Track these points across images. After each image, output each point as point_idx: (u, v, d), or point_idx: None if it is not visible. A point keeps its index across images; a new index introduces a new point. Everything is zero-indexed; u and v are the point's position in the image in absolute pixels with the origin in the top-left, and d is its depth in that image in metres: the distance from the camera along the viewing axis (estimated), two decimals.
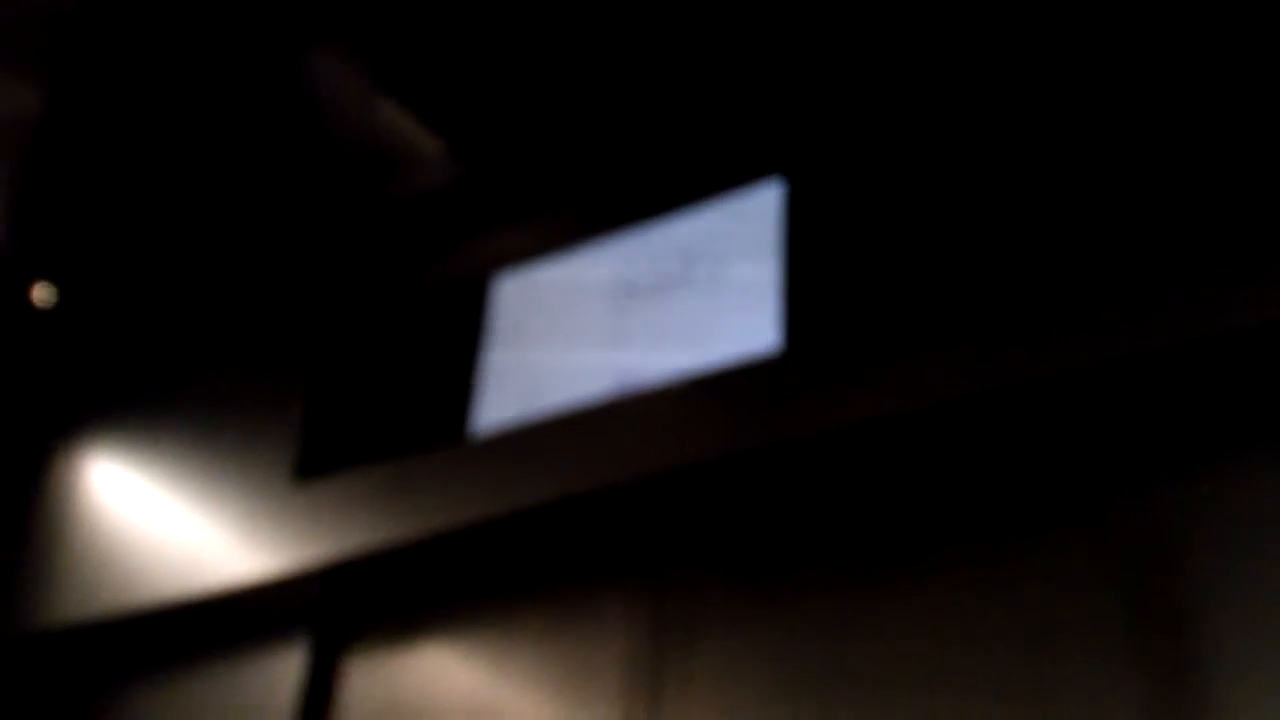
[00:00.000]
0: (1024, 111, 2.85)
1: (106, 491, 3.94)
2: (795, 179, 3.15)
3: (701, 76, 3.37)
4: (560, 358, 3.29)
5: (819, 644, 2.74)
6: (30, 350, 4.34)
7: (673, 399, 2.99)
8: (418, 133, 3.65)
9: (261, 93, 3.66)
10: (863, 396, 2.71)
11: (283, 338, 3.86)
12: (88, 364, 4.30)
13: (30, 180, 3.90)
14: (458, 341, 3.58)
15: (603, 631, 3.02)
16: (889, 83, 3.11)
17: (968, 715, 2.52)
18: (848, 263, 2.92)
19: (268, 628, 3.51)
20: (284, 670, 3.40)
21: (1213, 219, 2.50)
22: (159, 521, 3.71)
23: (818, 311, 2.91)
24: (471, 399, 3.42)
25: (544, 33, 3.41)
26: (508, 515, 3.07)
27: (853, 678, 2.67)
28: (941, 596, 2.66)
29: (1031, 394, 2.58)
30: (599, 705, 2.94)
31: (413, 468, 3.29)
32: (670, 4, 3.31)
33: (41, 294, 4.09)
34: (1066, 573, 2.55)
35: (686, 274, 3.23)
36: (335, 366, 3.73)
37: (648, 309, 3.24)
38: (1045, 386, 2.56)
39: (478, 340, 3.53)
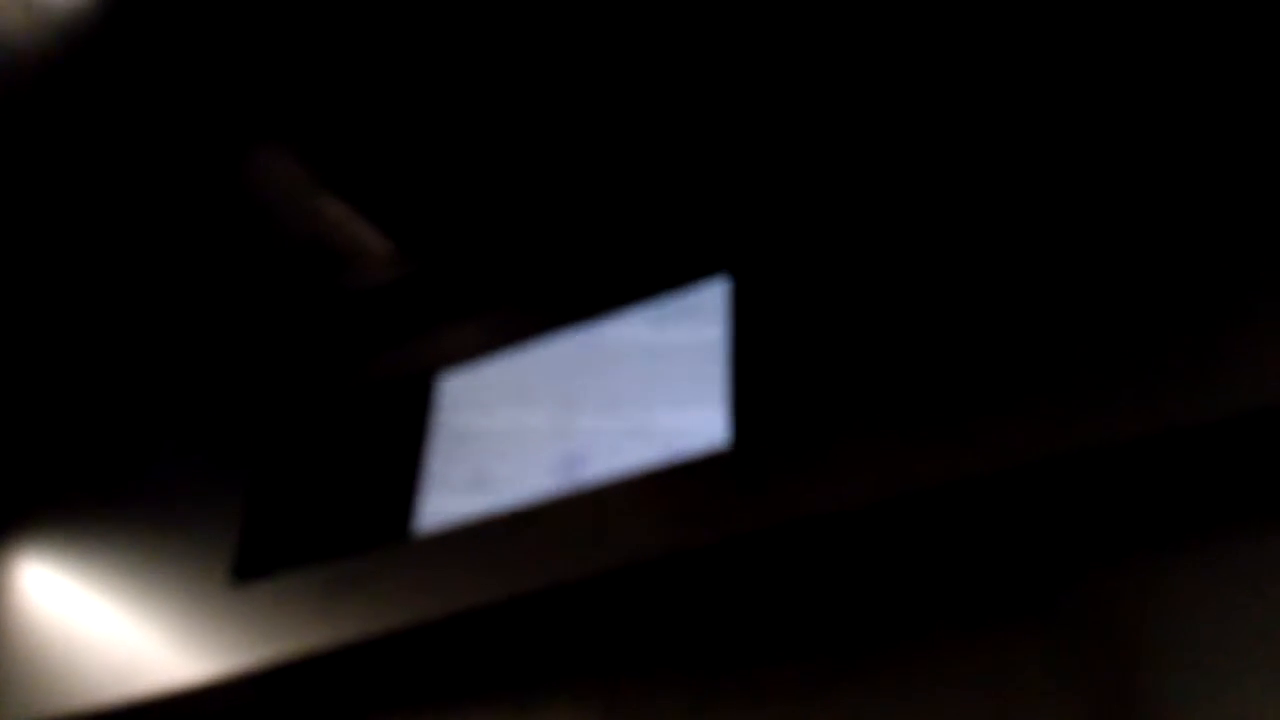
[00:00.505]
0: (967, 207, 2.87)
1: (40, 595, 3.85)
2: (740, 276, 3.16)
3: (647, 175, 3.38)
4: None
5: None
6: None
7: (621, 495, 2.95)
8: (363, 230, 3.62)
9: (204, 190, 3.61)
10: (813, 491, 2.70)
11: (222, 436, 3.80)
12: (21, 467, 4.22)
13: None
14: (401, 439, 3.53)
15: None
16: (832, 181, 3.13)
17: None
18: (794, 358, 2.92)
19: None
20: None
21: (1145, 326, 2.54)
22: (94, 625, 3.62)
23: (765, 407, 2.90)
24: (415, 497, 3.37)
25: (490, 132, 3.40)
26: (452, 616, 3.01)
27: None
28: (897, 691, 2.63)
29: (980, 488, 2.58)
30: None
31: (354, 568, 3.22)
32: (612, 105, 3.30)
33: None
34: (1020, 661, 2.53)
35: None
36: (276, 466, 3.68)
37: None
38: (993, 481, 2.56)
39: (422, 437, 3.48)
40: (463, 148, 3.46)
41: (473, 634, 3.08)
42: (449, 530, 3.17)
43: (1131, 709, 2.39)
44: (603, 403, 3.21)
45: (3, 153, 3.47)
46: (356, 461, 3.58)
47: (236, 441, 3.76)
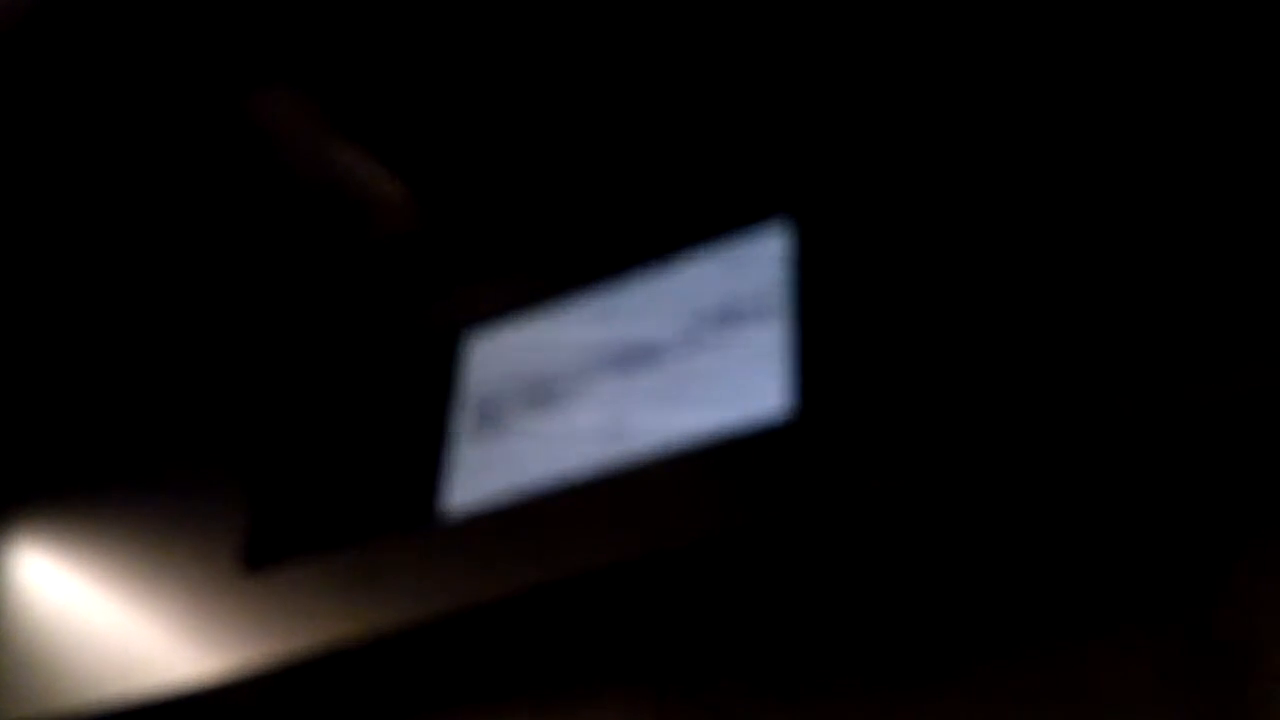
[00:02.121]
0: (1067, 142, 2.65)
1: (39, 587, 3.73)
2: (805, 219, 2.93)
3: (695, 107, 3.20)
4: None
5: None
6: None
7: (672, 471, 2.75)
8: (378, 177, 3.47)
9: (208, 139, 3.51)
10: (890, 466, 2.46)
11: (228, 412, 3.68)
12: (15, 451, 4.10)
13: None
14: (425, 409, 3.35)
15: None
16: (909, 109, 2.91)
17: None
18: (868, 312, 2.70)
19: None
20: None
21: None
22: (96, 618, 3.50)
23: (835, 368, 2.67)
24: (441, 473, 3.19)
25: (516, 67, 3.22)
26: (487, 604, 2.85)
27: None
28: (981, 700, 2.40)
29: (1085, 467, 2.34)
30: None
31: (377, 553, 3.08)
32: (658, 32, 3.10)
33: None
34: (1127, 676, 2.29)
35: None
36: (287, 441, 3.54)
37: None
38: (1101, 458, 2.31)
39: (447, 407, 3.30)
40: (487, 84, 3.29)
41: (511, 624, 2.92)
42: (484, 511, 3.00)
43: None
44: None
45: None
46: (376, 435, 3.42)
47: (245, 417, 3.62)
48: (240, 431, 3.60)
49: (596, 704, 2.82)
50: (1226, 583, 2.27)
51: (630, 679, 2.81)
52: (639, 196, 3.26)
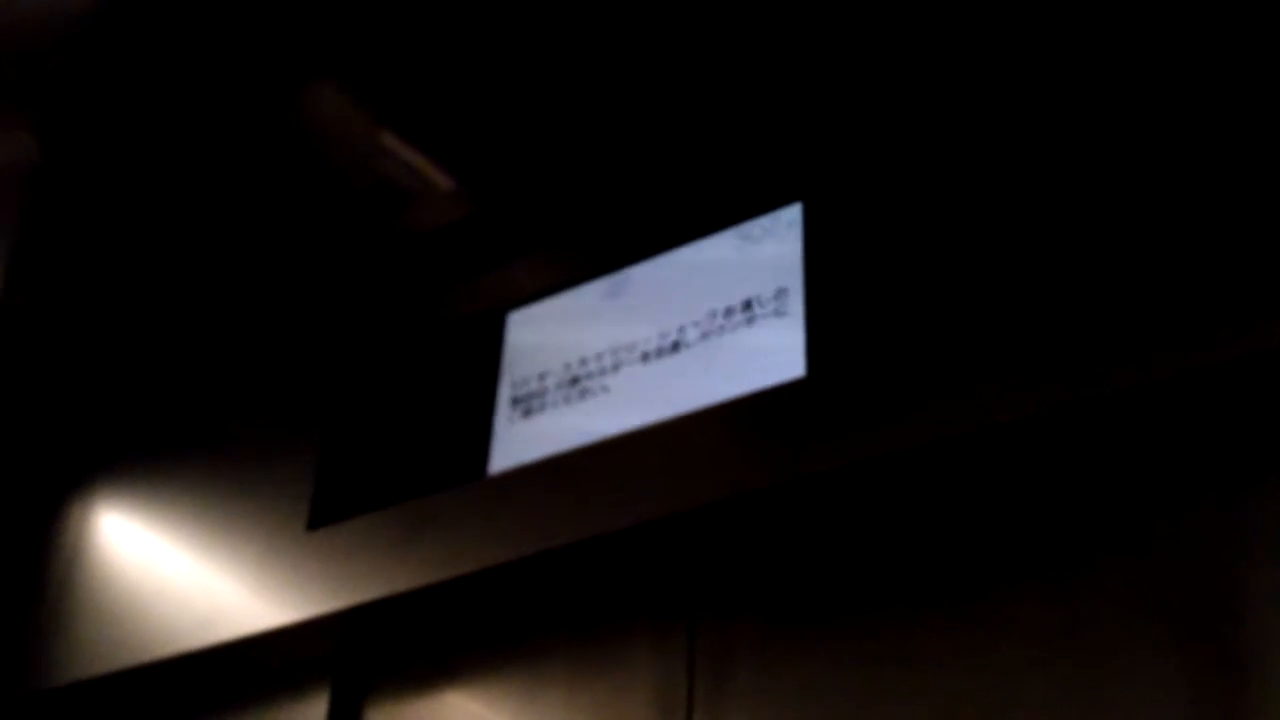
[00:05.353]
0: (1062, 125, 2.74)
1: (118, 544, 3.86)
2: (814, 201, 3.06)
3: (714, 99, 3.28)
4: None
5: (856, 680, 2.64)
6: (39, 401, 4.26)
7: (699, 429, 2.90)
8: (425, 167, 3.58)
9: (261, 131, 3.59)
10: (895, 424, 2.60)
11: (293, 382, 3.79)
12: (97, 415, 4.23)
13: (29, 229, 3.81)
14: (473, 379, 3.48)
15: (634, 673, 2.93)
16: (912, 99, 3.01)
17: None
18: (874, 283, 2.82)
19: (287, 678, 3.44)
20: None
21: (1240, 241, 2.39)
22: (173, 573, 3.63)
23: (844, 334, 2.81)
24: (490, 437, 3.32)
25: (554, 62, 3.33)
26: (530, 555, 2.98)
27: (892, 714, 2.56)
28: (979, 628, 2.56)
29: (1071, 419, 2.48)
30: None
31: (431, 508, 3.20)
32: (680, 28, 3.21)
33: None
34: (1108, 602, 2.43)
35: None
36: (348, 409, 3.66)
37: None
38: (1086, 410, 2.45)
39: (495, 375, 3.43)
40: (525, 79, 3.37)
41: (552, 573, 3.05)
42: (526, 469, 3.14)
43: (1233, 669, 2.25)
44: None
45: (56, 93, 3.41)
46: (430, 403, 3.55)
47: (309, 386, 3.73)
48: (306, 400, 3.70)
49: (630, 644, 2.97)
50: (1203, 514, 2.39)
51: (660, 624, 2.95)
52: (667, 185, 3.36)
